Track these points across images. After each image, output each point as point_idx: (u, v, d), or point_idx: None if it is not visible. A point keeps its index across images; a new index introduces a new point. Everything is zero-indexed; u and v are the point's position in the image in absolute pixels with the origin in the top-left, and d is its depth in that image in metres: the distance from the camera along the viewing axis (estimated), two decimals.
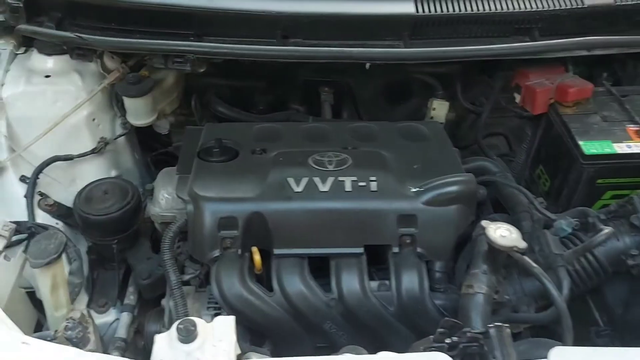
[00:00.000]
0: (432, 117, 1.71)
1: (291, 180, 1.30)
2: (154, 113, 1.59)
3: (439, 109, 1.69)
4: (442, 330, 0.99)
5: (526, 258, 1.13)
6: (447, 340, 1.00)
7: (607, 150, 1.33)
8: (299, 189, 1.29)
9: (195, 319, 0.97)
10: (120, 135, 1.63)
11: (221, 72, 1.81)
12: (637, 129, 1.37)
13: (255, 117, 1.81)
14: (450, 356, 0.99)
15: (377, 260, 1.32)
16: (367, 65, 1.44)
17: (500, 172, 1.51)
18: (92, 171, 1.60)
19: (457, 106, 1.83)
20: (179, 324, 0.94)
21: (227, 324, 0.99)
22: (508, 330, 0.99)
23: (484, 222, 1.18)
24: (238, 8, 1.37)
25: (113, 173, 1.66)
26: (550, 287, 1.10)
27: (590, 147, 1.33)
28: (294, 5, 1.37)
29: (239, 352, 0.98)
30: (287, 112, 1.85)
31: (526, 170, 1.65)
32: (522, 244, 1.14)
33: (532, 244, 1.30)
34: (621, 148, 1.33)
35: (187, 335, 0.94)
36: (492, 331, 0.98)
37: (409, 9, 1.36)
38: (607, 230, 1.20)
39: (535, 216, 1.32)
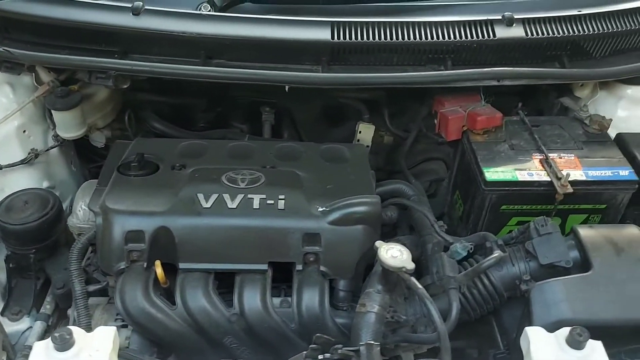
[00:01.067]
0: (358, 140, 1.76)
1: (201, 196, 1.33)
2: (82, 126, 1.63)
3: (365, 132, 1.74)
4: (314, 346, 1.03)
5: (413, 279, 1.17)
6: (320, 357, 1.03)
7: (509, 178, 1.37)
8: (208, 205, 1.32)
9: (74, 328, 1.00)
10: (52, 148, 1.66)
11: (161, 89, 1.86)
12: (542, 157, 1.42)
13: (191, 134, 1.85)
14: None
15: (289, 278, 1.36)
16: (287, 88, 1.49)
17: (415, 195, 1.55)
18: (22, 181, 1.62)
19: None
20: (55, 332, 0.97)
21: (106, 334, 1.02)
22: (378, 349, 1.02)
23: (377, 243, 1.21)
24: (162, 29, 1.42)
25: (45, 184, 1.68)
26: (431, 308, 1.13)
27: (492, 173, 1.38)
28: (216, 27, 1.42)
29: None
30: (224, 130, 1.89)
31: (449, 195, 1.69)
32: (411, 265, 1.17)
33: (431, 266, 1.34)
34: (523, 176, 1.38)
35: (63, 344, 0.97)
36: (362, 349, 1.01)
37: (325, 35, 1.41)
38: (496, 254, 1.24)
39: (435, 239, 1.36)
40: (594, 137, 1.51)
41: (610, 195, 1.39)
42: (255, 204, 1.33)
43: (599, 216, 1.44)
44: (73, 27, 1.44)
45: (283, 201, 1.34)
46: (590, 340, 1.05)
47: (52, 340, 0.96)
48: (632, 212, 1.47)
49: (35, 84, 1.63)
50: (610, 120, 1.54)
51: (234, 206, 1.32)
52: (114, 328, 1.03)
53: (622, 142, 1.55)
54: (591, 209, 1.41)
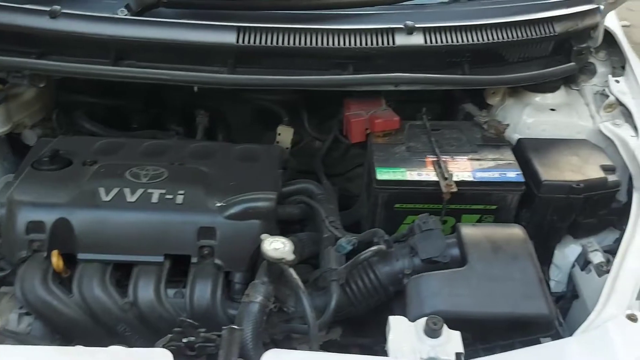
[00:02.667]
0: (277, 142, 1.82)
1: (102, 190, 1.40)
2: (7, 123, 1.69)
3: (284, 135, 1.81)
4: (178, 329, 1.08)
5: (290, 270, 1.22)
6: (184, 340, 1.08)
7: (399, 177, 1.43)
8: (107, 198, 1.38)
9: None
10: None
11: (96, 91, 1.93)
12: (435, 159, 1.48)
13: (120, 134, 1.92)
14: (192, 355, 1.08)
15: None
16: (195, 89, 1.56)
17: (322, 194, 1.61)
18: None
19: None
20: None
21: None
22: (240, 333, 1.07)
23: (262, 236, 1.27)
24: (76, 31, 1.49)
25: None
26: (303, 297, 1.19)
27: (383, 173, 1.44)
28: (127, 30, 1.49)
29: None
30: (154, 131, 1.96)
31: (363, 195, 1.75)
32: (290, 257, 1.23)
33: (321, 260, 1.40)
34: (412, 176, 1.44)
35: None
36: (224, 332, 1.06)
37: (231, 39, 1.48)
38: (374, 248, 1.30)
39: (326, 234, 1.42)
40: (490, 140, 1.57)
41: (499, 196, 1.45)
42: (154, 199, 1.39)
43: (492, 217, 1.49)
44: None
45: (182, 196, 1.40)
46: (448, 330, 1.11)
47: None
48: (525, 213, 1.53)
49: None
50: (507, 125, 1.60)
51: (133, 200, 1.38)
52: None
53: (521, 147, 1.61)
54: (482, 209, 1.47)
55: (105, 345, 1.36)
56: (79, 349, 1.03)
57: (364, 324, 1.50)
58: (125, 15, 1.54)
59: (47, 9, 1.51)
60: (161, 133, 1.96)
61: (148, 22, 1.50)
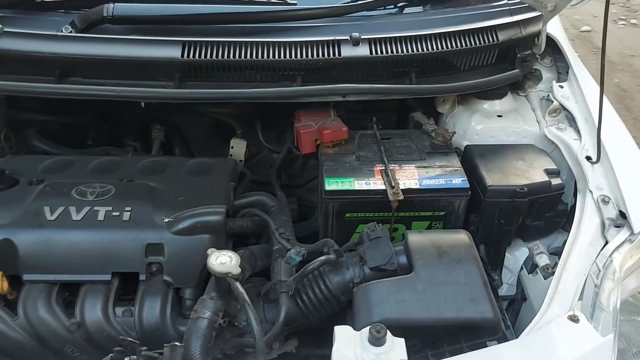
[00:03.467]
0: (231, 155, 1.82)
1: (47, 209, 1.38)
2: None
3: (237, 148, 1.81)
4: (119, 348, 1.07)
5: (237, 284, 1.22)
6: (126, 359, 1.07)
7: (347, 187, 1.44)
8: (52, 217, 1.36)
9: None
10: None
11: (47, 108, 1.91)
12: (383, 168, 1.50)
13: (73, 152, 1.89)
14: None
15: None
16: (142, 104, 1.56)
17: (276, 206, 1.61)
18: None
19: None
20: None
21: None
22: (181, 350, 1.06)
23: (209, 250, 1.27)
24: (18, 49, 1.48)
25: None
26: (248, 310, 1.19)
27: (332, 183, 1.45)
28: (70, 47, 1.49)
29: None
30: (108, 147, 1.94)
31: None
32: (237, 270, 1.23)
33: (272, 272, 1.40)
34: (361, 185, 1.45)
35: None
36: (165, 350, 1.06)
37: (176, 53, 1.49)
38: (322, 258, 1.30)
39: (276, 245, 1.42)
40: (438, 148, 1.60)
41: (446, 202, 1.47)
42: (100, 216, 1.37)
43: (441, 223, 1.51)
44: None
45: (129, 213, 1.38)
46: (391, 337, 1.11)
47: None
48: (474, 218, 1.55)
49: None
50: (454, 132, 1.63)
51: (79, 218, 1.36)
52: None
53: (469, 153, 1.64)
54: (431, 215, 1.49)
55: None
56: None
57: (322, 335, 1.50)
58: (70, 32, 1.54)
59: None
60: (115, 149, 1.94)
61: (92, 39, 1.49)
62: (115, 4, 1.53)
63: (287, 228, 1.54)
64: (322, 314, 1.37)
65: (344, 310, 1.40)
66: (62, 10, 1.64)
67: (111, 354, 1.07)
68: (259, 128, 1.84)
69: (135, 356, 1.06)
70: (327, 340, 1.53)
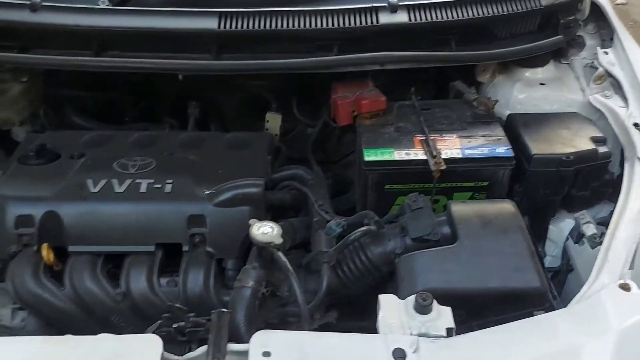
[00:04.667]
0: (267, 129, 1.81)
1: (90, 182, 1.39)
2: None
3: (273, 122, 1.80)
4: (167, 315, 1.08)
5: (279, 254, 1.22)
6: (174, 325, 1.08)
7: (386, 157, 1.42)
8: (96, 189, 1.38)
9: None
10: None
11: (86, 85, 1.92)
12: (423, 138, 1.47)
13: (111, 128, 1.91)
14: (183, 340, 1.08)
15: None
16: (180, 77, 1.55)
17: (313, 179, 1.60)
18: None
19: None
20: None
21: None
22: (227, 316, 1.07)
23: (251, 221, 1.27)
24: (57, 23, 1.48)
25: None
26: (292, 279, 1.19)
27: (370, 154, 1.43)
28: (108, 20, 1.49)
29: None
30: (146, 123, 1.95)
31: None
32: (279, 240, 1.23)
33: (312, 243, 1.39)
34: (400, 155, 1.42)
35: None
36: (213, 316, 1.06)
37: (212, 25, 1.47)
38: (363, 228, 1.29)
39: (316, 217, 1.41)
40: (480, 117, 1.56)
41: (489, 172, 1.44)
42: (143, 188, 1.38)
43: (484, 194, 1.48)
44: None
45: (171, 185, 1.39)
46: (438, 305, 1.10)
47: None
48: (518, 188, 1.52)
49: None
50: (496, 101, 1.59)
51: (121, 190, 1.38)
52: None
53: (512, 122, 1.60)
54: (474, 186, 1.46)
55: None
56: (67, 337, 1.02)
57: (362, 307, 1.50)
58: (107, 5, 1.54)
59: (28, 2, 1.50)
60: (153, 126, 1.95)
61: (129, 11, 1.49)
62: None
63: (325, 200, 1.53)
64: (362, 284, 1.37)
65: (383, 282, 1.40)
66: None
67: (160, 321, 1.08)
68: (294, 102, 1.83)
69: (183, 322, 1.07)
70: (365, 313, 1.54)
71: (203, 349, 1.02)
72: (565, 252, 1.53)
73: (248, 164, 1.51)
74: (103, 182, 1.39)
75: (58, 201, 1.35)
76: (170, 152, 1.54)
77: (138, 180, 1.39)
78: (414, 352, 1.02)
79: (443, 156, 1.41)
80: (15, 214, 1.34)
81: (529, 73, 1.74)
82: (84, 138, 1.60)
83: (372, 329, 1.49)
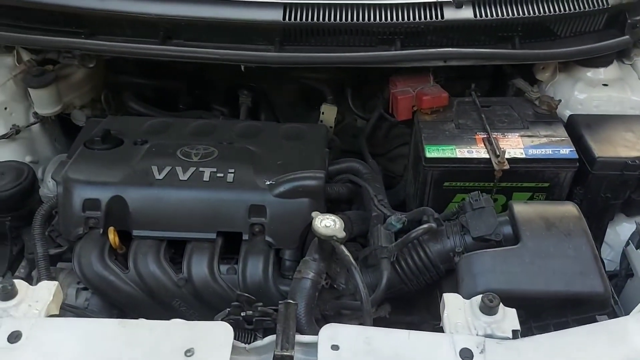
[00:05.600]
0: (321, 121, 1.82)
1: (155, 168, 1.42)
2: (58, 104, 1.73)
3: (328, 114, 1.80)
4: (236, 303, 1.10)
5: (342, 247, 1.23)
6: (242, 314, 1.10)
7: (448, 155, 1.42)
8: (160, 176, 1.41)
9: (17, 280, 1.09)
10: (32, 124, 1.77)
11: (143, 72, 1.96)
12: (485, 136, 1.46)
13: (166, 115, 1.94)
14: (250, 328, 1.11)
15: None
16: (242, 67, 1.56)
17: (368, 173, 1.60)
18: (5, 155, 1.72)
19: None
20: None
21: (47, 287, 1.11)
22: (295, 307, 1.08)
23: (313, 213, 1.28)
24: (124, 10, 1.51)
25: (28, 159, 1.79)
26: (355, 273, 1.20)
27: (432, 150, 1.43)
28: (173, 9, 1.51)
29: (55, 312, 1.09)
30: (200, 111, 1.98)
31: (408, 174, 1.74)
32: (341, 234, 1.24)
33: (371, 238, 1.40)
34: (462, 153, 1.42)
35: (5, 294, 1.06)
36: (280, 306, 1.08)
37: (277, 16, 1.48)
38: (425, 225, 1.29)
39: (375, 212, 1.42)
40: (542, 117, 1.54)
41: (551, 174, 1.43)
42: (206, 177, 1.41)
43: (544, 195, 1.47)
44: (45, 10, 1.54)
45: (232, 174, 1.41)
46: (503, 307, 1.10)
47: None
48: (578, 191, 1.50)
49: (17, 64, 1.74)
50: (559, 101, 1.56)
51: (185, 178, 1.40)
52: (56, 282, 1.11)
53: (573, 123, 1.57)
54: (534, 187, 1.45)
55: (160, 319, 1.42)
56: (141, 321, 1.05)
57: (410, 302, 1.51)
58: None
59: None
60: (207, 113, 1.98)
61: (196, 1, 1.50)
62: None
63: (383, 195, 1.53)
64: (420, 281, 1.37)
65: (439, 279, 1.40)
66: None
67: (228, 309, 1.11)
68: (349, 94, 1.83)
69: (251, 311, 1.09)
70: (414, 307, 1.55)
71: (271, 338, 1.04)
72: (624, 257, 1.51)
73: (307, 155, 1.52)
74: (167, 169, 1.42)
75: (124, 186, 1.39)
76: (229, 141, 1.56)
77: (201, 169, 1.42)
78: (481, 352, 1.02)
79: (506, 156, 1.40)
80: (83, 198, 1.38)
81: (590, 73, 1.71)
82: (146, 125, 1.63)
83: (419, 324, 1.53)
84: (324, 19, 1.48)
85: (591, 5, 1.56)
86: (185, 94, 2.05)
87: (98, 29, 1.55)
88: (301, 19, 1.47)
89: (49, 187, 1.60)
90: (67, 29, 1.56)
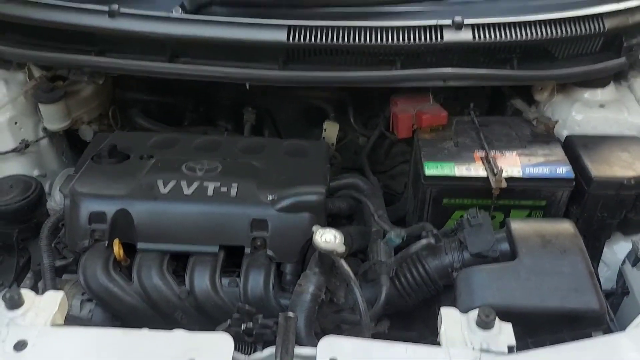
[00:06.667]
0: (324, 137, 1.86)
1: (160, 182, 1.46)
2: (66, 119, 1.78)
3: (330, 131, 1.84)
4: (237, 315, 1.12)
5: (342, 261, 1.25)
6: (242, 326, 1.12)
7: (447, 172, 1.45)
8: (165, 190, 1.44)
9: (24, 290, 1.12)
10: (41, 139, 1.81)
11: (150, 89, 2.01)
12: (483, 154, 1.49)
13: (172, 130, 1.98)
14: (250, 340, 1.13)
15: None
16: (247, 85, 1.61)
17: (370, 189, 1.63)
18: (14, 169, 1.77)
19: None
20: (6, 292, 1.09)
21: (54, 297, 1.14)
22: (294, 319, 1.11)
23: (314, 228, 1.31)
24: (134, 30, 1.56)
25: (36, 173, 1.83)
26: (354, 288, 1.22)
27: (431, 168, 1.46)
28: (182, 29, 1.55)
29: (60, 322, 1.12)
30: (205, 127, 2.02)
31: (408, 191, 1.77)
32: (341, 248, 1.26)
33: (370, 253, 1.42)
34: (461, 171, 1.45)
35: (12, 303, 1.09)
36: (280, 319, 1.10)
37: (281, 37, 1.52)
38: (423, 241, 1.31)
39: (375, 227, 1.44)
40: (540, 137, 1.57)
41: (548, 192, 1.45)
42: (210, 191, 1.44)
43: (541, 212, 1.49)
44: (56, 28, 1.59)
45: (236, 189, 1.45)
46: (500, 322, 1.12)
47: (2, 299, 1.08)
48: (575, 209, 1.52)
49: (28, 79, 1.79)
50: (557, 121, 1.60)
51: (189, 192, 1.44)
52: (62, 292, 1.14)
53: (570, 144, 1.61)
54: (532, 205, 1.48)
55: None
56: (144, 331, 1.08)
57: (409, 318, 1.53)
58: (180, 14, 1.60)
59: (106, 9, 1.58)
60: (211, 129, 2.03)
61: (202, 21, 1.55)
62: None
63: (383, 211, 1.56)
64: (418, 296, 1.40)
65: (437, 294, 1.42)
66: None
67: (229, 320, 1.13)
68: (351, 112, 1.87)
69: (252, 323, 1.12)
70: (414, 324, 1.57)
71: (270, 350, 1.07)
72: (620, 275, 1.53)
73: (308, 171, 1.55)
74: (172, 183, 1.45)
75: (130, 200, 1.42)
76: (233, 156, 1.60)
77: (205, 183, 1.45)
78: None
79: (504, 174, 1.42)
80: (89, 211, 1.41)
81: (588, 94, 1.74)
82: (152, 140, 1.67)
83: (417, 340, 1.54)
84: (326, 40, 1.52)
85: (588, 29, 1.60)
86: (191, 110, 2.10)
87: (108, 47, 1.60)
88: (304, 40, 1.51)
89: (56, 200, 1.64)
90: (76, 47, 1.60)
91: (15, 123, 1.77)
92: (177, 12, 1.60)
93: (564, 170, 1.45)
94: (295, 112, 2.09)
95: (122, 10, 1.57)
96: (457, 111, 1.72)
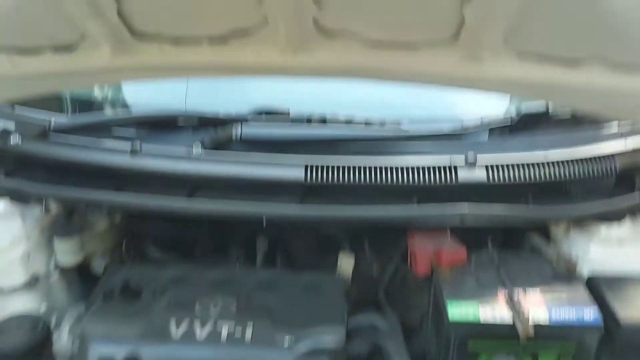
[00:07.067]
0: (338, 273, 1.82)
1: (172, 322, 1.41)
2: (80, 254, 1.76)
3: (345, 264, 1.81)
4: None
5: None
6: None
7: (472, 315, 1.39)
8: (178, 334, 1.39)
9: None
10: (52, 273, 1.78)
11: (164, 220, 2.01)
12: (508, 297, 1.44)
13: (185, 262, 1.95)
14: None
15: None
16: (264, 223, 1.61)
17: (388, 329, 1.57)
18: (22, 304, 1.72)
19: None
20: None
21: None
22: None
23: None
24: (152, 168, 1.60)
25: (43, 307, 1.78)
26: None
27: (454, 307, 1.41)
28: (201, 166, 1.60)
29: None
30: (216, 258, 1.99)
31: (428, 330, 1.70)
32: None
33: None
34: (485, 312, 1.40)
35: None
36: None
37: (299, 176, 1.56)
38: None
39: None
40: (561, 276, 1.54)
41: (577, 337, 1.39)
42: (223, 335, 1.39)
43: (573, 357, 1.42)
44: (78, 167, 1.63)
45: (251, 331, 1.40)
46: None
47: None
48: (606, 350, 1.45)
49: (44, 213, 1.80)
50: (577, 262, 1.57)
51: (202, 338, 1.39)
52: None
53: (594, 284, 1.56)
54: (560, 347, 1.41)
55: None
56: None
57: None
58: (200, 151, 1.64)
59: (128, 148, 1.63)
60: (222, 259, 2.00)
61: (223, 160, 1.59)
62: (243, 126, 1.65)
63: (403, 354, 1.49)
64: None
65: None
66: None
67: None
68: (366, 243, 1.86)
69: None
70: None
71: None
72: None
73: (326, 310, 1.51)
74: (185, 324, 1.41)
75: (140, 343, 1.37)
76: (248, 292, 1.56)
77: (219, 325, 1.41)
78: None
79: (530, 321, 1.37)
80: (98, 355, 1.36)
81: (604, 229, 1.72)
82: (165, 275, 1.65)
83: None
84: (343, 180, 1.55)
85: (600, 170, 1.62)
86: (205, 241, 2.09)
87: (126, 183, 1.62)
88: (321, 179, 1.55)
89: (63, 340, 1.57)
90: (96, 183, 1.62)
91: (28, 257, 1.75)
92: (196, 149, 1.64)
93: (590, 314, 1.40)
94: (309, 242, 2.08)
95: (144, 148, 1.62)
96: (472, 242, 1.71)
